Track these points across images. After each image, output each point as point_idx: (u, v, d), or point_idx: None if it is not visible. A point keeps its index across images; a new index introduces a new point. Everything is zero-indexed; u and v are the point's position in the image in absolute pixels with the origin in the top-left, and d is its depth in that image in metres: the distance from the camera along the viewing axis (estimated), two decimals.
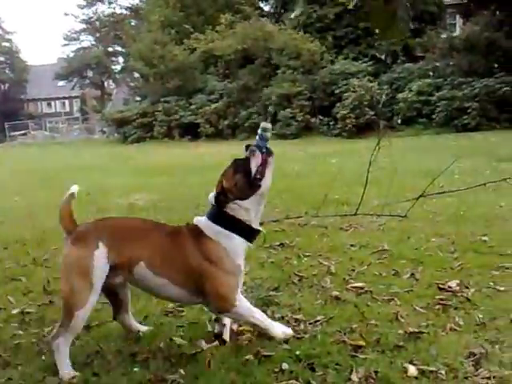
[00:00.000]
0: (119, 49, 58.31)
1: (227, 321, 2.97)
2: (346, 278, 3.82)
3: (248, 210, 2.83)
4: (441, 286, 3.51)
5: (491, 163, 10.45)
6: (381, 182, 7.14)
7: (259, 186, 2.81)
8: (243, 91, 28.16)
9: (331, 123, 24.67)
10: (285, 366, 2.48)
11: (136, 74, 37.76)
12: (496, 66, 23.16)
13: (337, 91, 24.82)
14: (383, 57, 28.38)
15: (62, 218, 2.81)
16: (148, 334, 3.01)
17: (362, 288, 3.58)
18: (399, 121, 23.49)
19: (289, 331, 2.89)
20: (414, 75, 24.68)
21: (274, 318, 3.07)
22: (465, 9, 27.17)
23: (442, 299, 3.28)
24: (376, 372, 2.35)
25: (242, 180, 2.81)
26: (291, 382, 2.35)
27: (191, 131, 28.83)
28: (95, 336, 3.06)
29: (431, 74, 24.08)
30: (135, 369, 2.62)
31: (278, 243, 5.00)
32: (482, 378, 2.28)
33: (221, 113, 28.14)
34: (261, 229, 2.92)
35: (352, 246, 4.83)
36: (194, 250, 2.79)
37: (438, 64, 24.58)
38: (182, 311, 3.35)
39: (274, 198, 7.82)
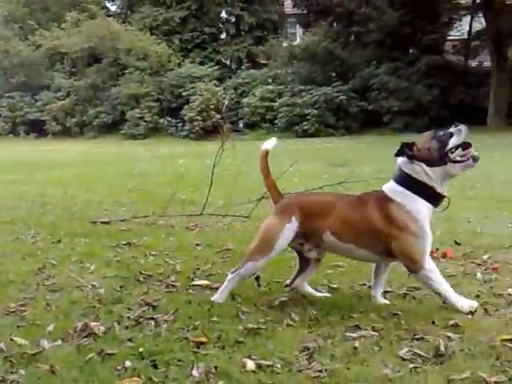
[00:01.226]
0: None
1: None
2: (191, 276, 3.83)
3: (431, 177, 3.02)
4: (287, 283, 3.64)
5: (328, 167, 11.05)
6: (226, 183, 7.26)
7: (445, 163, 2.99)
8: (91, 89, 27.46)
9: (179, 125, 24.72)
10: (128, 363, 2.43)
11: None
12: (333, 75, 24.52)
13: (184, 94, 24.91)
14: (228, 62, 28.93)
15: (269, 189, 3.42)
16: None
17: (206, 286, 3.61)
18: (241, 125, 24.06)
19: (474, 303, 3.04)
20: (257, 81, 25.40)
21: (121, 317, 3.02)
22: (304, 19, 28.52)
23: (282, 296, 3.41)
24: (216, 367, 2.38)
25: (436, 147, 3.02)
26: (134, 378, 2.32)
27: (37, 128, 27.71)
28: None
29: (270, 81, 24.88)
30: None
31: (124, 242, 4.91)
32: (315, 371, 2.37)
33: (68, 110, 27.30)
34: (446, 194, 3.09)
35: (197, 245, 4.86)
36: (378, 214, 3.04)
37: (279, 71, 25.51)
38: (24, 311, 3.17)
39: (122, 197, 7.67)
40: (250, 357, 2.49)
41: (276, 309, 3.19)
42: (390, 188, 3.09)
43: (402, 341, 2.69)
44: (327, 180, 8.01)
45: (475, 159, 3.02)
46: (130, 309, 3.19)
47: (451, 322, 2.88)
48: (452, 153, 3.01)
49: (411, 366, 2.42)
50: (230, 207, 6.31)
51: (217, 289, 3.45)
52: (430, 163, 3.00)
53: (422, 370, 2.38)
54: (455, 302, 3.01)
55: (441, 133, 3.07)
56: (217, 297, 3.26)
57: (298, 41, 29.48)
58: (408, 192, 3.03)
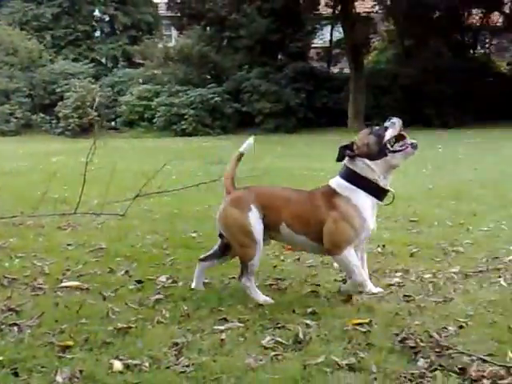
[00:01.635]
0: None
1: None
2: (60, 278, 3.62)
3: (374, 171, 3.10)
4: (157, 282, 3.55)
5: (204, 166, 11.02)
6: (102, 181, 6.96)
7: (385, 155, 3.08)
8: None
9: (54, 122, 23.51)
10: None
11: None
12: (208, 77, 24.56)
13: (58, 90, 23.77)
14: (104, 60, 28.05)
15: (225, 179, 3.39)
16: None
17: (76, 287, 3.43)
18: (113, 123, 23.50)
19: (379, 290, 3.24)
20: (134, 80, 24.87)
21: None
22: (178, 22, 28.22)
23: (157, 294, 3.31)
24: (81, 371, 2.25)
25: (374, 141, 3.10)
26: None
27: None
28: None
29: (140, 81, 24.46)
30: None
31: None
32: (182, 366, 2.33)
33: None
34: (390, 189, 3.16)
35: (69, 245, 4.62)
36: (325, 208, 3.12)
37: (155, 71, 25.12)
38: None
39: None
40: (117, 357, 2.39)
41: (148, 306, 3.10)
42: (337, 183, 3.18)
43: (266, 330, 2.72)
44: (202, 177, 7.99)
45: (414, 146, 3.13)
46: None
47: (309, 310, 2.96)
48: (391, 145, 3.11)
49: (273, 353, 2.45)
50: (105, 206, 6.07)
51: (88, 289, 3.30)
52: (372, 157, 3.10)
53: (283, 358, 2.42)
54: (365, 286, 3.18)
55: (377, 128, 3.19)
56: (261, 298, 3.16)
57: (173, 42, 29.17)
58: (354, 187, 3.12)
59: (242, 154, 3.47)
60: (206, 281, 3.55)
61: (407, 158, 3.17)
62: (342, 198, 3.11)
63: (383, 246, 4.41)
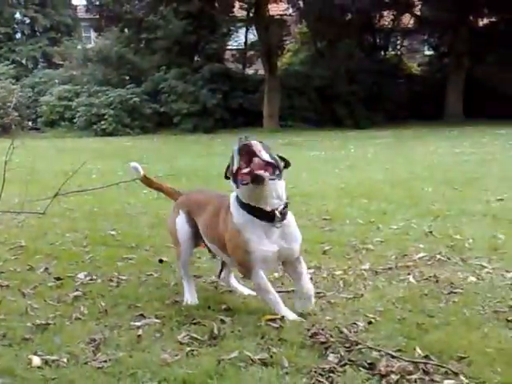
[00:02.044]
0: None
1: None
2: None
3: (244, 196, 2.67)
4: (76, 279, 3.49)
5: (123, 165, 10.79)
6: (22, 180, 6.71)
7: (237, 186, 2.65)
8: None
9: None
10: None
11: None
12: (127, 78, 24.03)
13: None
14: (24, 61, 26.83)
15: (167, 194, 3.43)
16: None
17: None
18: (33, 123, 22.59)
19: (294, 317, 2.72)
20: (54, 81, 23.97)
21: None
22: (97, 24, 27.47)
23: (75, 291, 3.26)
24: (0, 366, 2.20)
25: (229, 169, 2.71)
26: None
27: None
28: None
29: (56, 81, 23.65)
30: None
31: None
32: (100, 362, 2.30)
33: None
34: (268, 209, 2.64)
35: None
36: (221, 220, 2.84)
37: (75, 72, 24.33)
38: None
39: None
40: (36, 353, 2.34)
41: (66, 303, 3.04)
42: (232, 197, 2.80)
43: (182, 326, 2.69)
44: (123, 176, 7.85)
45: (255, 181, 2.54)
46: None
47: (224, 307, 2.95)
48: (230, 173, 2.70)
49: (188, 349, 2.42)
50: (26, 204, 5.85)
51: (8, 286, 3.20)
52: (236, 185, 2.69)
53: (198, 353, 2.39)
54: (281, 312, 2.75)
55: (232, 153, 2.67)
56: (187, 297, 3.05)
57: (92, 44, 28.26)
58: (237, 204, 2.74)
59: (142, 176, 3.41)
60: (124, 278, 3.51)
61: (255, 192, 2.61)
62: (230, 214, 2.77)
63: None
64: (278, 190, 2.67)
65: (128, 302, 3.04)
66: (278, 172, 2.63)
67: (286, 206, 2.72)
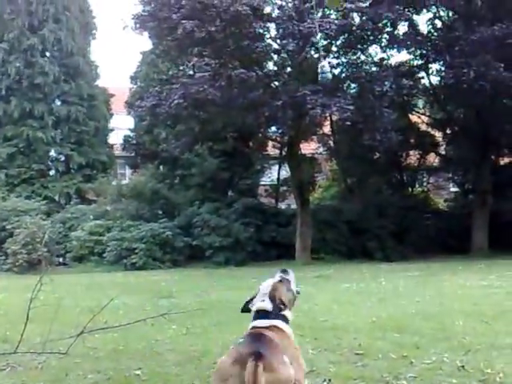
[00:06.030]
0: None
1: None
2: None
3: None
4: None
5: (152, 299, 10.76)
6: (45, 318, 6.68)
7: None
8: None
9: (2, 258, 22.83)
10: None
11: None
12: (160, 212, 24.78)
13: (9, 227, 23.32)
14: (57, 197, 28.03)
15: None
16: None
17: None
18: (61, 259, 23.12)
19: None
20: (86, 216, 24.79)
21: None
22: (133, 161, 29.27)
23: None
24: None
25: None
26: None
27: None
28: None
29: (91, 217, 24.50)
30: None
31: None
32: None
33: None
34: None
35: None
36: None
37: (108, 208, 25.21)
38: None
39: None
40: None
41: None
42: (279, 324, 3.11)
43: None
44: (150, 312, 7.78)
45: None
46: None
47: None
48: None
49: None
50: (48, 343, 5.76)
51: None
52: None
53: None
54: None
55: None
56: None
57: (126, 180, 29.58)
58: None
59: None
60: None
61: None
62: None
63: (329, 380, 4.29)
64: None
65: None
66: None
67: None
